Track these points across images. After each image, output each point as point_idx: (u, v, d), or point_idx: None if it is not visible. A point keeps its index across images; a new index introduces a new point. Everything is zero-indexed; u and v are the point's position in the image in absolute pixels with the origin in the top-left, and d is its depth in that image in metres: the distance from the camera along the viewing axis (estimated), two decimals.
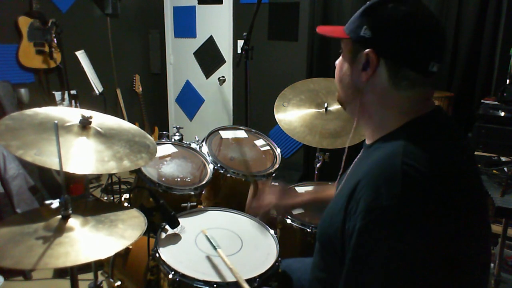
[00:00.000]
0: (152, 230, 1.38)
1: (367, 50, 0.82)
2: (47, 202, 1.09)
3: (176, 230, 1.38)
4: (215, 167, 1.76)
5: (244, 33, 2.43)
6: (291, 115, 2.03)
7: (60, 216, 1.10)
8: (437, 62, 0.81)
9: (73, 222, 1.10)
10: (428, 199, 0.72)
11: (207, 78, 4.34)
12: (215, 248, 1.26)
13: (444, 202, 0.73)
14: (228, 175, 1.76)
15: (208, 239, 1.31)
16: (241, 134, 2.06)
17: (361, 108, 0.89)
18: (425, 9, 0.82)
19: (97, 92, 3.38)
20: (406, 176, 0.72)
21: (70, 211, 1.10)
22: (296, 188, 2.00)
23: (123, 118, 2.90)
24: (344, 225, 0.80)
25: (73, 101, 3.16)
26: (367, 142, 0.93)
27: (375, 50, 0.81)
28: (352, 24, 0.86)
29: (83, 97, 3.43)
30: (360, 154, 0.99)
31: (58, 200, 1.10)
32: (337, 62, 0.96)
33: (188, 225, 1.43)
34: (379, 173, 0.76)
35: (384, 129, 0.86)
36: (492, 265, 1.87)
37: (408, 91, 0.82)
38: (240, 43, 3.90)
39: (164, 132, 2.11)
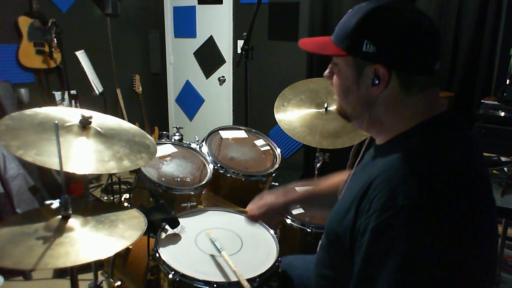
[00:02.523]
0: (152, 230, 1.38)
1: (375, 65, 0.79)
2: (47, 202, 1.09)
3: (176, 230, 1.38)
4: (215, 167, 1.76)
5: (244, 33, 2.42)
6: (291, 115, 2.03)
7: (60, 216, 1.10)
8: (439, 59, 0.81)
9: (73, 222, 1.10)
10: (444, 200, 0.71)
11: (207, 78, 4.34)
12: (219, 251, 1.26)
13: (460, 203, 0.73)
14: (228, 175, 1.76)
15: (212, 242, 1.31)
16: (241, 134, 2.06)
17: (370, 119, 0.87)
18: (418, 11, 0.81)
19: (97, 92, 3.38)
20: (422, 176, 0.72)
21: (70, 211, 1.10)
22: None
23: (123, 118, 2.90)
24: (355, 222, 0.79)
25: (73, 101, 3.16)
26: (378, 142, 0.92)
27: (384, 64, 0.79)
28: (348, 39, 0.82)
29: (83, 97, 3.43)
30: (368, 152, 0.99)
31: (58, 200, 1.10)
32: (326, 74, 0.93)
33: (188, 225, 1.43)
34: (395, 173, 0.75)
35: (396, 131, 0.85)
36: None
37: (419, 94, 0.81)
38: (240, 43, 3.90)
39: (164, 132, 2.10)
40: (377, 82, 0.80)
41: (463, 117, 0.87)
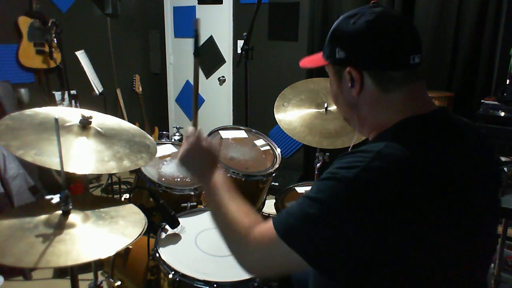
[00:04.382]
0: (152, 230, 1.38)
1: (347, 69, 0.86)
2: (47, 197, 1.09)
3: (176, 230, 1.38)
4: None
5: (244, 33, 2.42)
6: (291, 115, 2.02)
7: (60, 212, 1.10)
8: (416, 53, 0.83)
9: (74, 218, 1.10)
10: (386, 188, 0.72)
11: (207, 78, 4.34)
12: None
13: (408, 195, 0.72)
14: (228, 175, 1.76)
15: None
16: (241, 134, 2.06)
17: (360, 120, 0.92)
18: (385, 12, 0.85)
19: (97, 92, 3.38)
20: (371, 162, 0.74)
21: (71, 206, 1.10)
22: (296, 188, 2.01)
23: (123, 118, 2.91)
24: None
25: (73, 101, 3.16)
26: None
27: (354, 66, 0.85)
28: (327, 50, 0.91)
29: (83, 97, 3.43)
30: None
31: (58, 195, 1.09)
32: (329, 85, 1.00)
33: (188, 225, 1.43)
34: (350, 157, 0.78)
35: (380, 129, 0.88)
36: (492, 265, 1.87)
37: (397, 91, 0.84)
38: (240, 43, 3.89)
39: (164, 132, 2.11)
40: (354, 84, 0.86)
41: (457, 117, 0.87)
